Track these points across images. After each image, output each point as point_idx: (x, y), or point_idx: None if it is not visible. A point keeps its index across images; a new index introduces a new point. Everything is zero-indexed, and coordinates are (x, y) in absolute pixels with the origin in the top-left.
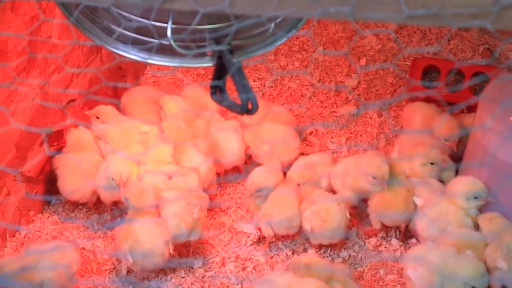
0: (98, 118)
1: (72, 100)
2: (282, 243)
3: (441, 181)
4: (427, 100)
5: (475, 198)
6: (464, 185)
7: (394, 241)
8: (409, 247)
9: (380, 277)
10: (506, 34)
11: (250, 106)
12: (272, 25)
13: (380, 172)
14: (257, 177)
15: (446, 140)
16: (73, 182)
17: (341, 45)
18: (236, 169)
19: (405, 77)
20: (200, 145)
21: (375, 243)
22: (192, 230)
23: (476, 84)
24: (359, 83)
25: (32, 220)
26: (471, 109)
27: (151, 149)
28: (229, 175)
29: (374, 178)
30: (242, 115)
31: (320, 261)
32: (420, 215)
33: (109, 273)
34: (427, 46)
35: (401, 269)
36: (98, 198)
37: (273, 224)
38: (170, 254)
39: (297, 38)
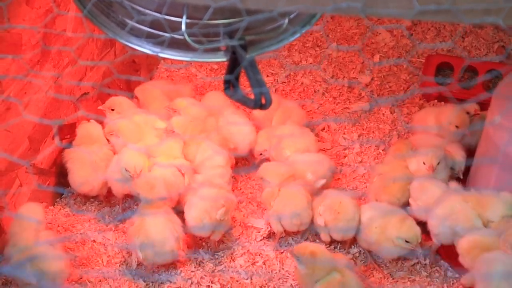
0: (113, 110)
1: (86, 93)
2: (292, 238)
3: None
4: (440, 97)
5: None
6: (503, 201)
7: None
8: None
9: (390, 274)
10: None
11: (263, 101)
12: (286, 20)
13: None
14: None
15: (457, 126)
16: (83, 175)
17: (355, 41)
18: (246, 161)
19: (418, 74)
20: (214, 139)
21: None
22: (215, 227)
23: (490, 81)
24: (372, 79)
25: (44, 212)
26: (485, 106)
27: (161, 144)
28: (240, 168)
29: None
30: (255, 109)
31: (326, 252)
32: (432, 212)
33: (119, 266)
34: (441, 43)
35: (412, 265)
36: (109, 191)
37: (283, 221)
38: (181, 248)
39: (311, 34)
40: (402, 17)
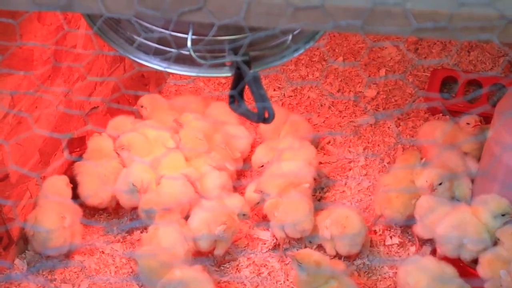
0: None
1: (95, 107)
2: (297, 249)
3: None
4: (445, 110)
5: (502, 215)
6: (491, 203)
7: (411, 249)
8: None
9: (394, 286)
10: None
11: (266, 115)
12: (290, 37)
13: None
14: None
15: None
16: (92, 188)
17: (361, 55)
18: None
19: (424, 88)
20: (214, 158)
21: (390, 251)
22: (217, 242)
23: (494, 95)
24: (378, 93)
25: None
26: (489, 120)
27: (166, 156)
28: (241, 180)
29: None
30: (259, 123)
31: (327, 261)
32: (440, 222)
33: (127, 276)
34: (447, 58)
35: None
36: (118, 204)
37: (286, 228)
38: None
39: (317, 49)
40: (400, 35)
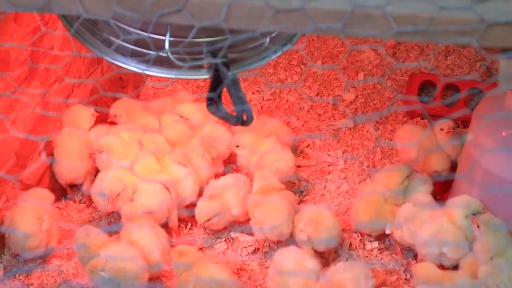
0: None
1: None
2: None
3: None
4: (424, 114)
5: (474, 215)
6: (462, 204)
7: (386, 253)
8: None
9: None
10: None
11: (245, 118)
12: (267, 39)
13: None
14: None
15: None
16: (69, 164)
17: (339, 59)
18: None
19: (402, 92)
20: (178, 155)
21: (368, 254)
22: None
23: (472, 100)
24: (356, 97)
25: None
26: (467, 124)
27: (138, 162)
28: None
29: None
30: (237, 125)
31: None
32: (419, 232)
33: None
34: (425, 62)
35: (396, 279)
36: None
37: (264, 230)
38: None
39: (296, 52)
40: (381, 38)
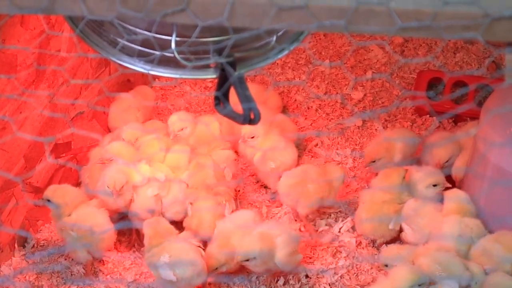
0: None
1: (81, 112)
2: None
3: None
4: (432, 111)
5: (434, 186)
6: (423, 174)
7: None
8: None
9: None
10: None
11: (252, 116)
12: (274, 38)
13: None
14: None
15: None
16: None
17: (347, 58)
18: None
19: (410, 90)
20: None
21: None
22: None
23: (479, 94)
24: (365, 95)
25: (40, 230)
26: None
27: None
28: None
29: None
30: (244, 124)
31: None
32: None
33: (115, 280)
34: (432, 57)
35: None
36: None
37: None
38: None
39: (304, 52)
40: (385, 34)
